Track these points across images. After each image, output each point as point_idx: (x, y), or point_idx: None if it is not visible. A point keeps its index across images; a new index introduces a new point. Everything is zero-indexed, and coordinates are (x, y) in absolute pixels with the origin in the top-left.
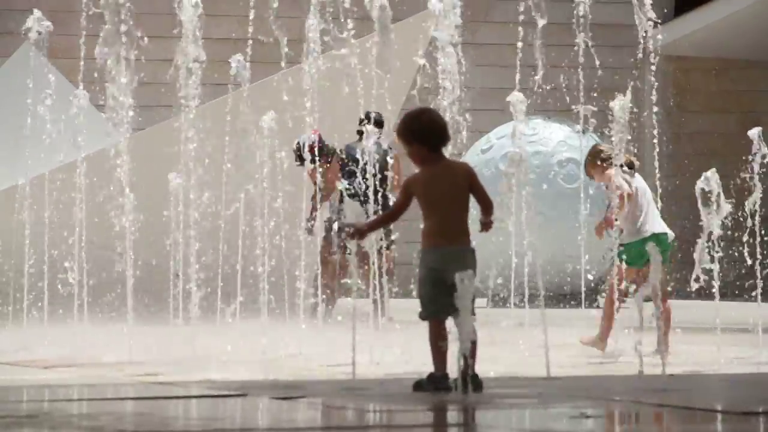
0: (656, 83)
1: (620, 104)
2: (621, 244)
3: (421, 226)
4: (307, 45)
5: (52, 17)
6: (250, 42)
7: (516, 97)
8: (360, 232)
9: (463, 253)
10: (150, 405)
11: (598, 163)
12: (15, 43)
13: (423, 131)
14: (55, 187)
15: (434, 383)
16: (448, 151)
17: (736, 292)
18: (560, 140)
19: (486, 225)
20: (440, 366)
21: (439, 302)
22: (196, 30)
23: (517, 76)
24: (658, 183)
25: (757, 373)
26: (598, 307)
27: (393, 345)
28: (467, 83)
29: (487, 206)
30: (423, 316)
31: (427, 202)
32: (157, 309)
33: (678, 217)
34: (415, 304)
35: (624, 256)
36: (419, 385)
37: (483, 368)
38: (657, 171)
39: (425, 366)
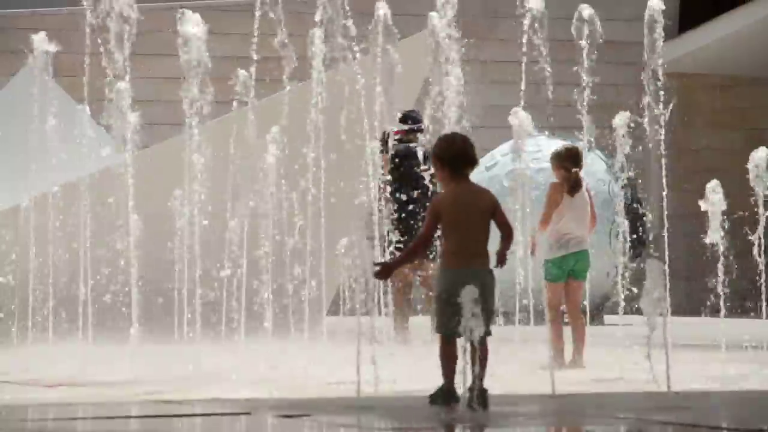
0: (660, 100)
1: (622, 121)
2: (546, 261)
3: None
4: (313, 60)
5: (56, 36)
6: (255, 59)
7: (519, 116)
8: (386, 271)
9: (481, 275)
10: (155, 423)
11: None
12: (19, 61)
13: (448, 154)
14: (58, 206)
15: (444, 396)
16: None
17: (739, 309)
18: None
19: (501, 258)
20: (449, 380)
21: (454, 321)
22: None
23: (522, 93)
24: (664, 199)
25: (762, 391)
26: (602, 324)
27: (400, 362)
28: (471, 100)
29: (508, 235)
30: (437, 330)
31: (450, 221)
32: (162, 327)
33: (682, 234)
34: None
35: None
36: (434, 399)
37: (488, 386)
38: (664, 187)
39: (430, 383)
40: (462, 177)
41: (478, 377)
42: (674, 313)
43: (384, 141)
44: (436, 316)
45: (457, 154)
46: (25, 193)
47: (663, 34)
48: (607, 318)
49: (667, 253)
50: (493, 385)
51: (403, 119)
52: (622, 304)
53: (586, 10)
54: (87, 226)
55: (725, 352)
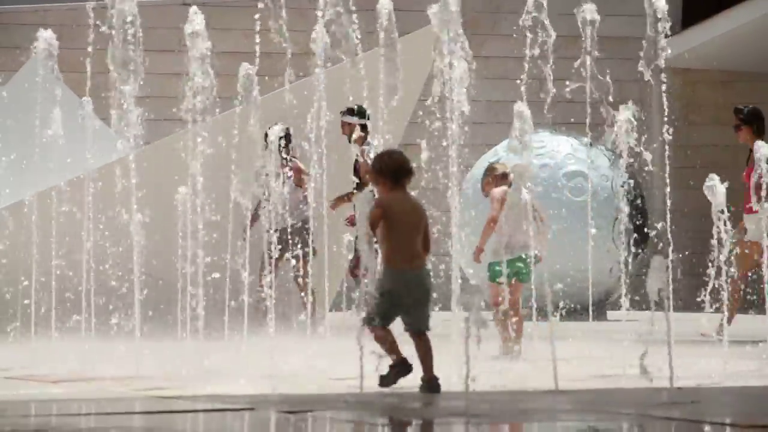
0: (664, 96)
1: (626, 115)
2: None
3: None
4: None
5: (60, 32)
6: (258, 55)
7: (521, 108)
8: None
9: (422, 276)
10: (158, 419)
11: (490, 180)
12: (23, 57)
13: (391, 168)
14: (62, 201)
15: (397, 371)
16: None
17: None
18: (567, 153)
19: None
20: (397, 354)
21: (391, 317)
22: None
23: (524, 89)
24: (666, 194)
25: (764, 386)
26: (605, 319)
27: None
28: (474, 96)
29: (428, 248)
30: (368, 323)
31: (394, 222)
32: (164, 323)
33: (685, 229)
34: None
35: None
36: (385, 378)
37: (492, 381)
38: (667, 183)
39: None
40: (401, 187)
41: (429, 367)
42: (677, 308)
43: (285, 137)
44: (375, 310)
45: (398, 168)
46: (28, 188)
47: (665, 29)
48: (610, 314)
49: (670, 248)
50: (495, 380)
51: (360, 114)
52: (626, 299)
53: (589, 6)
54: (90, 221)
55: (728, 348)
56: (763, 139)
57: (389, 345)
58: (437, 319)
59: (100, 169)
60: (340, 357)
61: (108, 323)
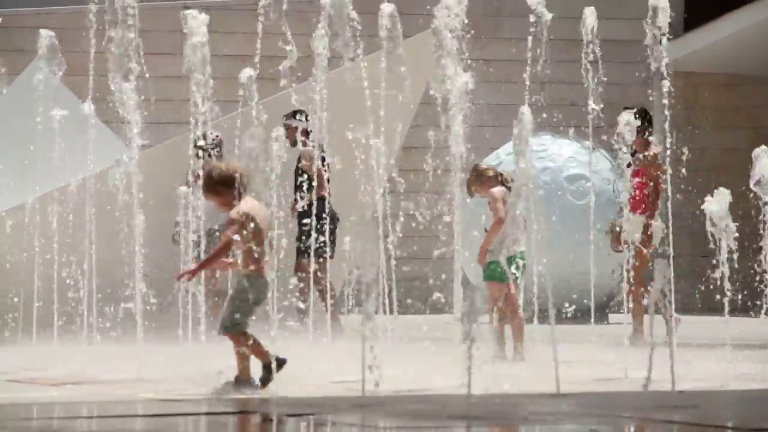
0: (665, 99)
1: (627, 119)
2: (491, 261)
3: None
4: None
5: (61, 35)
6: (258, 58)
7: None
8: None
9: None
10: (160, 423)
11: (477, 180)
12: (24, 60)
13: (232, 180)
14: (64, 205)
15: (277, 365)
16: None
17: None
18: (569, 156)
19: None
20: (267, 357)
21: (250, 320)
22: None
23: (526, 92)
24: (669, 197)
25: (765, 390)
26: (607, 323)
27: (404, 361)
28: (476, 99)
29: (271, 245)
30: (233, 329)
31: (259, 232)
32: (167, 325)
33: (686, 233)
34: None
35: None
36: (266, 380)
37: (492, 384)
38: (669, 185)
39: (435, 382)
40: (246, 194)
41: (265, 353)
42: (678, 311)
43: (215, 144)
44: (242, 316)
45: (227, 179)
46: (30, 191)
47: (667, 32)
48: (612, 317)
49: (671, 251)
50: (498, 384)
51: (302, 117)
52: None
53: (591, 10)
54: (92, 223)
55: (730, 351)
56: (650, 142)
57: (262, 349)
58: (438, 322)
59: (101, 173)
60: (341, 360)
61: (109, 325)
